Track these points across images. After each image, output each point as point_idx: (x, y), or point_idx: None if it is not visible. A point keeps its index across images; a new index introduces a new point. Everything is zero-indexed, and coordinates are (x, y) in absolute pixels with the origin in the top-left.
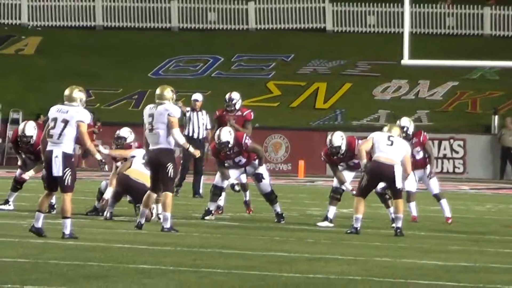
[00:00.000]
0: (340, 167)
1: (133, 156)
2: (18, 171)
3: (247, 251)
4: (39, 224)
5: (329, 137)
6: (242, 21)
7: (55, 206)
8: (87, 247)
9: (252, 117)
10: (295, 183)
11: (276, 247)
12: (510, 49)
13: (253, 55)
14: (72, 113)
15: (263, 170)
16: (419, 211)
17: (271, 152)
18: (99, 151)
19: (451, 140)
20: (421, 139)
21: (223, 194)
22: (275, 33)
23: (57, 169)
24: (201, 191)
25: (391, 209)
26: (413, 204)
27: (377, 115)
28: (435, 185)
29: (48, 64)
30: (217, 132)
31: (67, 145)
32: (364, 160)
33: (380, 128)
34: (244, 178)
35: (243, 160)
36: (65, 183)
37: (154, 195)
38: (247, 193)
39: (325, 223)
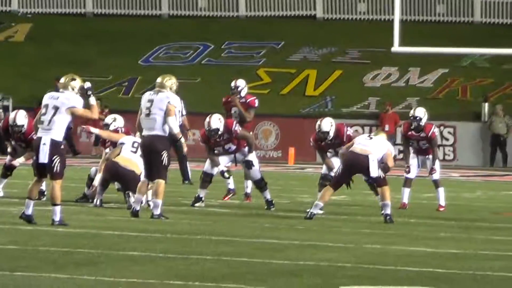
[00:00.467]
0: (329, 154)
1: (122, 143)
2: (8, 157)
3: (236, 238)
4: (29, 211)
5: (318, 122)
6: (232, 8)
7: (45, 193)
8: (77, 234)
9: (256, 104)
10: (285, 170)
11: (266, 234)
12: (500, 36)
13: (243, 42)
14: (63, 100)
15: (253, 157)
16: (410, 198)
17: (261, 139)
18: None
19: (442, 127)
20: (429, 135)
21: (231, 178)
22: (265, 20)
23: (44, 156)
24: (190, 175)
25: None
26: (407, 190)
27: (367, 102)
28: (437, 172)
29: (38, 51)
30: (207, 119)
31: (57, 132)
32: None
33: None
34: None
35: (233, 147)
36: (54, 170)
37: (147, 181)
38: (249, 183)
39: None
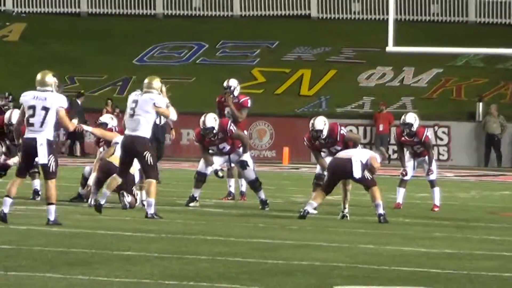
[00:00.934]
0: (323, 154)
1: (117, 143)
2: (3, 157)
3: (231, 237)
4: (7, 210)
5: (311, 120)
6: (227, 8)
7: (39, 193)
8: (71, 233)
9: (249, 104)
10: (279, 170)
11: (260, 234)
12: (494, 36)
13: (238, 42)
14: (52, 100)
15: (247, 157)
16: (405, 198)
17: (256, 139)
18: (83, 129)
19: (436, 127)
20: (423, 139)
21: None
22: (259, 20)
23: (43, 157)
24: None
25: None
26: (402, 190)
27: (361, 102)
28: (434, 173)
29: (33, 50)
30: (202, 118)
31: (49, 132)
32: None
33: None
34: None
35: (227, 147)
36: (50, 170)
37: (119, 179)
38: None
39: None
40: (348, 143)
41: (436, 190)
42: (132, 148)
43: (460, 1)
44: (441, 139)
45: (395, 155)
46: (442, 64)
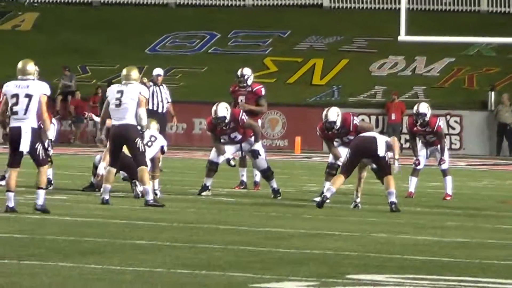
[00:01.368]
0: (335, 143)
1: None
2: None
3: (243, 226)
4: (12, 203)
5: (324, 111)
6: None
7: (52, 182)
8: (84, 222)
9: (263, 92)
10: (291, 159)
11: (272, 222)
12: (506, 25)
13: (250, 31)
14: (34, 87)
15: (259, 146)
16: (417, 187)
17: (268, 128)
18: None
19: (448, 116)
20: (435, 129)
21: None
22: (272, 9)
23: (27, 145)
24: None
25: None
26: (414, 179)
27: (373, 91)
28: (446, 162)
29: (45, 40)
30: (214, 107)
31: (33, 119)
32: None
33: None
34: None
35: (239, 137)
36: (40, 157)
37: (114, 170)
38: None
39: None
40: (361, 133)
41: (448, 179)
42: (124, 136)
43: None
44: (453, 128)
45: (407, 144)
46: (454, 53)
